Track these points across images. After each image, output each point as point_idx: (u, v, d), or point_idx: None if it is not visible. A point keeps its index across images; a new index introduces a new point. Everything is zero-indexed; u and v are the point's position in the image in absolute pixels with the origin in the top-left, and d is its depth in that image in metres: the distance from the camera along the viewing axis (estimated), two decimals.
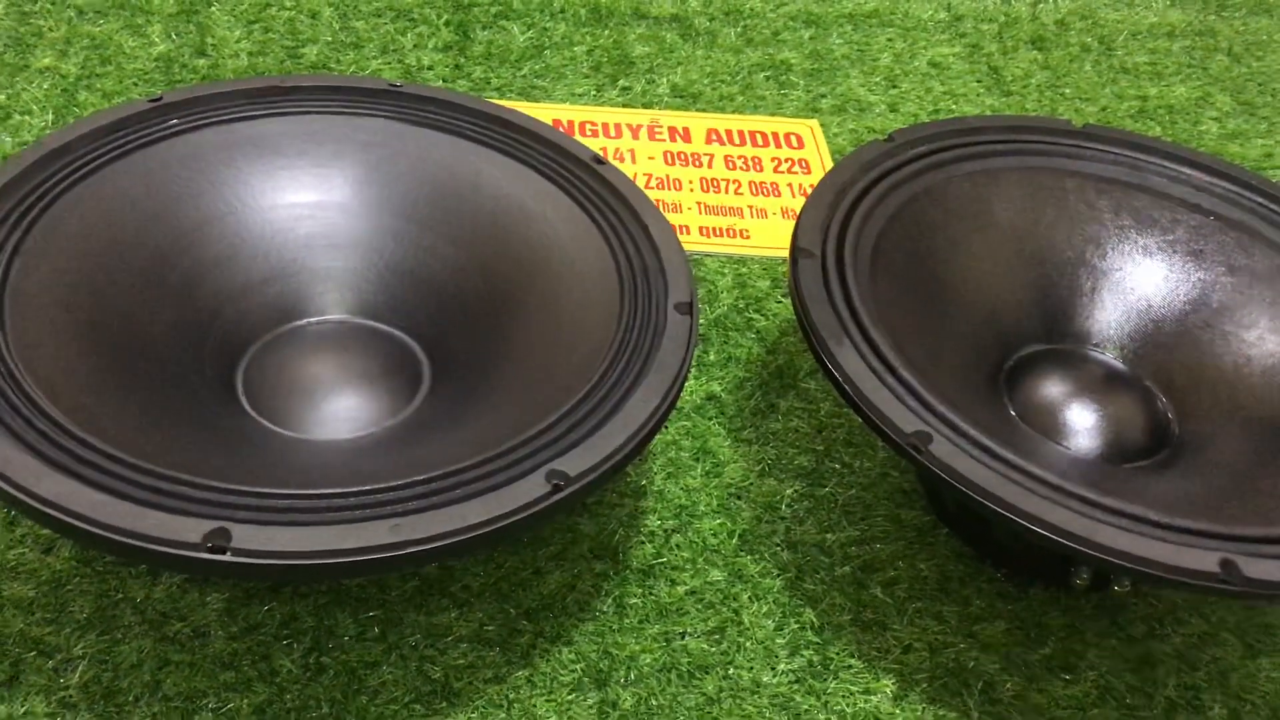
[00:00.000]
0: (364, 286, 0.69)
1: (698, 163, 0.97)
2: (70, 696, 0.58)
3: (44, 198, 0.62)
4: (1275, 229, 0.73)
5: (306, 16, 1.05)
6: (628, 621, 0.65)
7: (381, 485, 0.51)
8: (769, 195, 0.95)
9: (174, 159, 0.67)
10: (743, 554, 0.69)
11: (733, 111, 1.03)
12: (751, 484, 0.73)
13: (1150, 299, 0.73)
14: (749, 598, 0.67)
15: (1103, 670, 0.65)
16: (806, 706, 0.62)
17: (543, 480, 0.52)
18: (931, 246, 0.71)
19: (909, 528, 0.71)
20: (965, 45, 1.14)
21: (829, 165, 0.96)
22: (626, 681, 0.62)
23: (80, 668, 0.59)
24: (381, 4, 1.08)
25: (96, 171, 0.64)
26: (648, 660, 0.63)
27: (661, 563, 0.68)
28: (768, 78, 1.07)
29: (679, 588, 0.66)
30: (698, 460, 0.74)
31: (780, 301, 0.85)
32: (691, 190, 0.95)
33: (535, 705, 0.60)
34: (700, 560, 0.68)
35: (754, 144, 0.99)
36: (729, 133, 1.00)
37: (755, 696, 0.62)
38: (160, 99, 0.69)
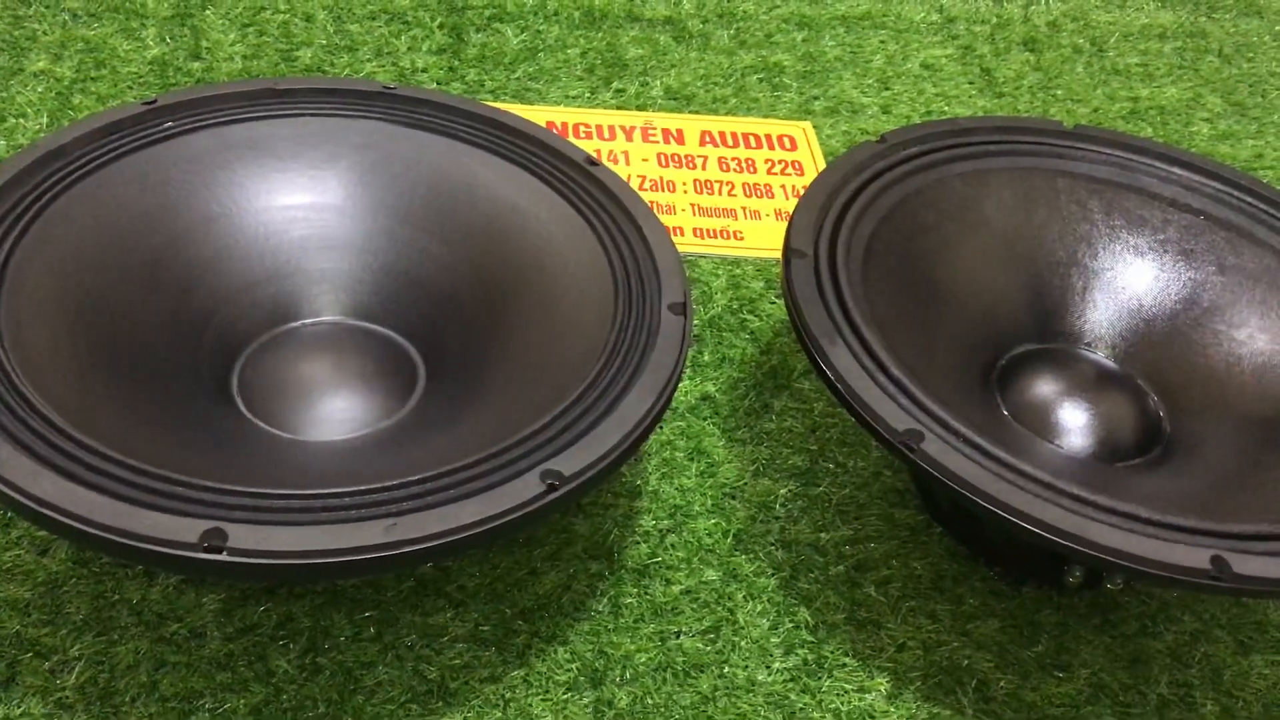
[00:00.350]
0: (358, 288, 0.69)
1: (691, 164, 0.97)
2: (67, 697, 0.58)
3: (38, 201, 0.62)
4: (1265, 228, 0.73)
5: (301, 20, 1.05)
6: (623, 621, 0.65)
7: (376, 485, 0.51)
8: (762, 197, 0.95)
9: (168, 162, 0.67)
10: (737, 553, 0.69)
11: (726, 113, 1.03)
12: (746, 484, 0.73)
13: (1141, 298, 0.73)
14: (744, 597, 0.67)
15: (1095, 668, 0.65)
16: (801, 705, 0.62)
17: (537, 480, 0.52)
18: (923, 247, 0.71)
19: (903, 527, 0.72)
20: (957, 47, 1.15)
21: (822, 167, 0.96)
22: (622, 681, 0.62)
23: (77, 669, 0.59)
24: (376, 7, 1.08)
25: (91, 174, 0.64)
26: (643, 659, 0.63)
27: (656, 562, 0.68)
28: (761, 80, 1.07)
29: (674, 587, 0.67)
30: (692, 460, 0.74)
31: (774, 302, 0.85)
32: (685, 192, 0.95)
33: (531, 705, 0.60)
34: (695, 560, 0.68)
35: (747, 146, 1.00)
36: (722, 134, 1.01)
37: (750, 695, 0.62)
38: (154, 102, 0.69)
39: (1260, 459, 0.64)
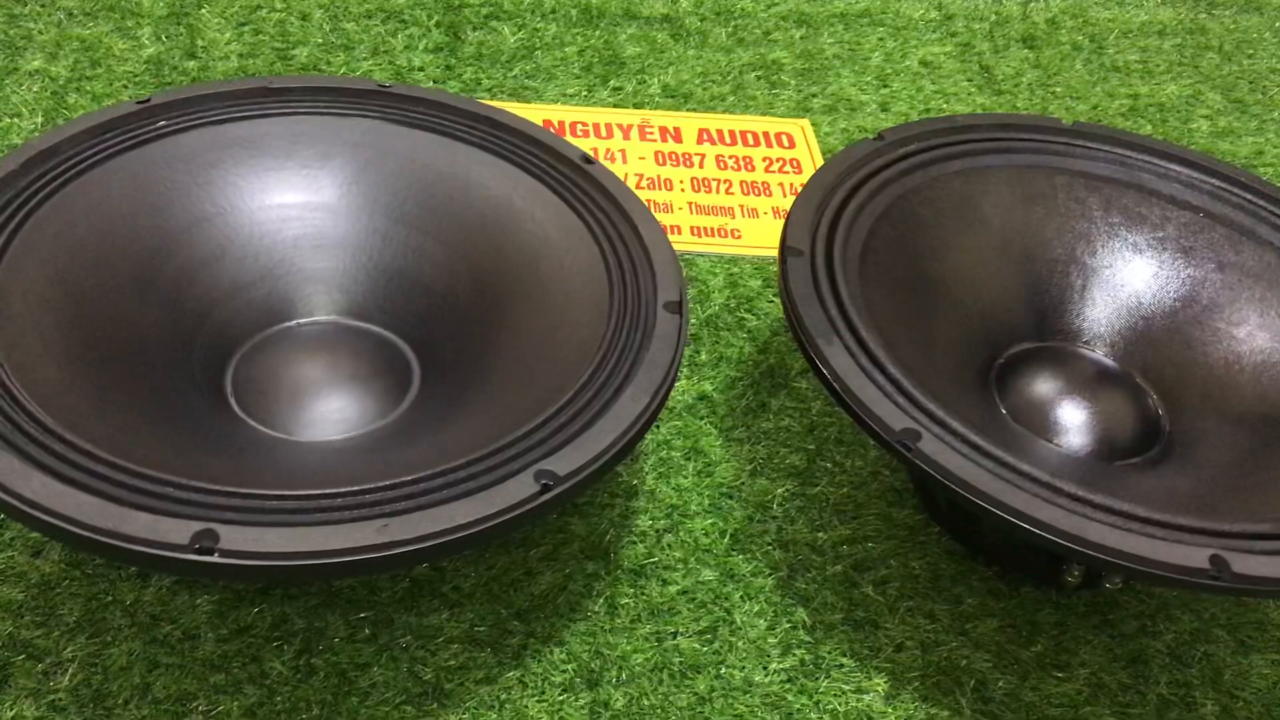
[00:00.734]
0: (353, 287, 0.69)
1: (689, 163, 0.97)
2: (60, 700, 0.58)
3: (31, 200, 0.61)
4: (1265, 226, 0.73)
5: (297, 18, 1.05)
6: (619, 621, 0.64)
7: (370, 486, 0.51)
8: (760, 195, 0.95)
9: (162, 160, 0.66)
10: (734, 553, 0.69)
11: (724, 111, 1.03)
12: (743, 483, 0.73)
13: (1140, 296, 0.73)
14: (740, 597, 0.66)
15: (1095, 668, 0.65)
16: (798, 706, 0.62)
17: (531, 480, 0.52)
18: (921, 245, 0.71)
19: (900, 526, 0.71)
20: (956, 44, 1.14)
21: (820, 165, 0.96)
22: (618, 681, 0.62)
23: (70, 671, 0.59)
24: (372, 5, 1.08)
25: (84, 174, 0.64)
26: (639, 660, 0.63)
27: (653, 562, 0.67)
28: (759, 77, 1.07)
29: (671, 587, 0.66)
30: (689, 460, 0.74)
31: (772, 301, 0.85)
32: (683, 190, 0.95)
33: (527, 706, 0.60)
34: (692, 560, 0.68)
35: (745, 144, 0.99)
36: (720, 132, 1.00)
37: (747, 696, 0.62)
38: (148, 101, 0.68)
39: (1260, 457, 0.64)
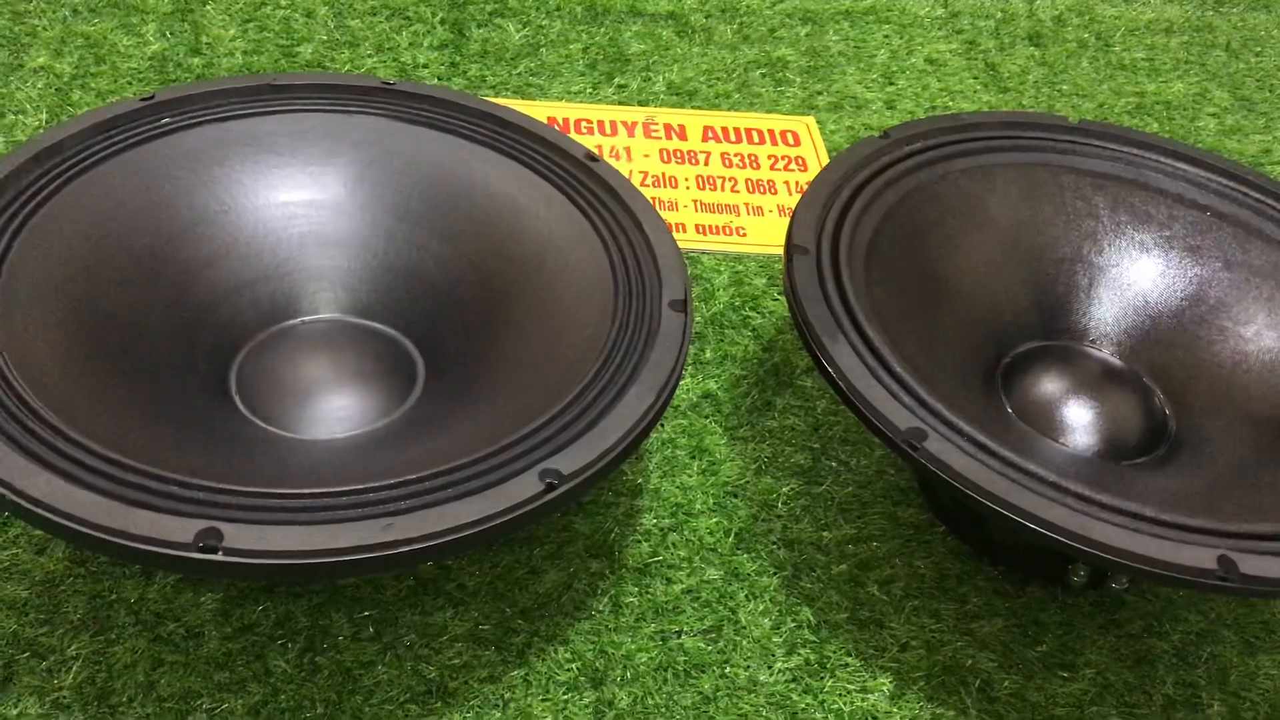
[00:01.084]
0: (357, 285, 0.69)
1: (694, 160, 0.97)
2: (64, 698, 0.58)
3: (35, 197, 0.61)
4: (1272, 224, 0.72)
5: (301, 15, 1.05)
6: (624, 620, 0.64)
7: (375, 484, 0.51)
8: (765, 193, 0.95)
9: (166, 157, 0.66)
10: (739, 552, 0.69)
11: (729, 109, 1.03)
12: (748, 482, 0.72)
13: (1147, 295, 0.73)
14: (745, 596, 0.66)
15: (1100, 668, 0.65)
16: (803, 705, 0.62)
17: (536, 479, 0.52)
18: (927, 243, 0.71)
19: (906, 525, 0.71)
20: (962, 42, 1.14)
21: (825, 162, 0.96)
22: (623, 680, 0.62)
23: (74, 669, 0.59)
24: (377, 2, 1.07)
25: (88, 170, 0.64)
26: (644, 659, 0.63)
27: (657, 561, 0.67)
28: (764, 75, 1.07)
29: (675, 586, 0.66)
30: (694, 458, 0.73)
31: (777, 299, 0.85)
32: (688, 188, 0.94)
33: (531, 705, 0.60)
34: (696, 559, 0.68)
35: (750, 141, 0.99)
36: (725, 130, 1.00)
37: (752, 695, 0.62)
38: (152, 97, 0.68)
39: (1267, 457, 0.64)
